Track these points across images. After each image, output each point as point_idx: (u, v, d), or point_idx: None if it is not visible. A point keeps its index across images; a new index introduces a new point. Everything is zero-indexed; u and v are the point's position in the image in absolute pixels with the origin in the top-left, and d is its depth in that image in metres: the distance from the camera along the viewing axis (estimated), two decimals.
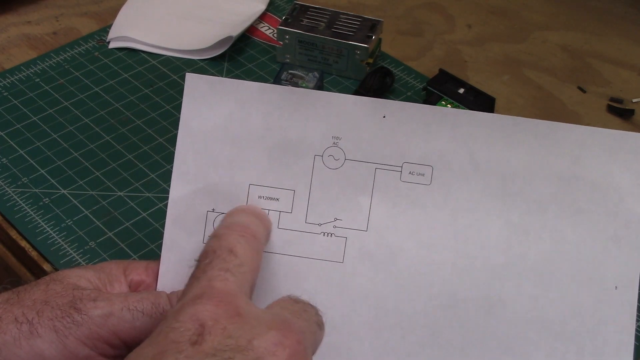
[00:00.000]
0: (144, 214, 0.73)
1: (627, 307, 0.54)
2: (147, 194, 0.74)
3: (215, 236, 0.50)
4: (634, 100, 0.87)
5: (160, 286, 0.55)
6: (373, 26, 0.87)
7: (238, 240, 0.49)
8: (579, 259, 0.55)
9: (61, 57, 0.89)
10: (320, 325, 0.47)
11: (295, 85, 0.82)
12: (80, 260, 0.68)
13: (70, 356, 0.49)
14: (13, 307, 0.50)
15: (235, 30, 0.90)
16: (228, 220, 0.52)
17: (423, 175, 0.55)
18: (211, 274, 0.46)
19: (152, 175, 0.76)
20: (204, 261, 0.47)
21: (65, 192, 0.74)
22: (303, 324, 0.45)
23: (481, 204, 0.55)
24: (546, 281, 0.55)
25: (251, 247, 0.49)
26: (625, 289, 0.54)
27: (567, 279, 0.55)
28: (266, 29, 0.94)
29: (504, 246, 0.55)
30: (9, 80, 0.86)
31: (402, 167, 0.55)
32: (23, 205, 0.73)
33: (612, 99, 0.88)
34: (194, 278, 0.46)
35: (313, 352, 0.46)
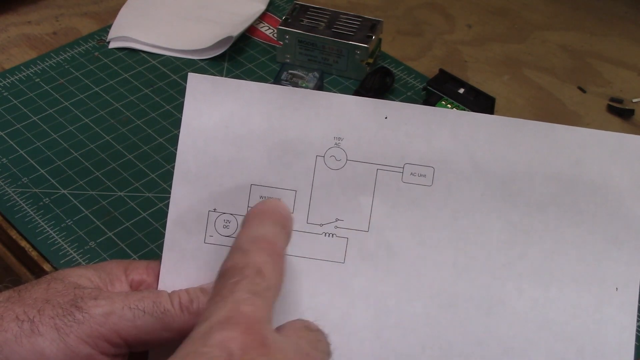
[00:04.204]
0: (144, 214, 0.73)
1: (627, 308, 0.54)
2: (147, 194, 0.74)
3: (241, 250, 0.48)
4: (634, 100, 0.87)
5: (162, 285, 0.56)
6: (373, 26, 0.87)
7: (266, 260, 0.47)
8: (579, 260, 0.55)
9: (61, 57, 0.89)
10: (329, 354, 0.48)
11: (295, 85, 0.82)
12: (80, 260, 0.68)
13: (72, 354, 0.50)
14: (14, 306, 0.51)
15: (235, 30, 0.90)
16: (254, 230, 0.50)
17: (424, 176, 0.55)
18: (239, 295, 0.45)
19: (152, 175, 0.76)
20: (231, 279, 0.46)
21: (65, 192, 0.74)
22: (319, 355, 0.46)
23: (482, 205, 0.55)
24: (546, 282, 0.55)
25: (278, 267, 0.48)
26: (625, 290, 0.54)
27: (568, 280, 0.55)
28: (266, 29, 0.94)
29: (504, 247, 0.55)
30: (9, 80, 0.86)
31: (403, 168, 0.55)
32: (23, 205, 0.73)
33: (612, 99, 0.88)
34: (219, 296, 0.45)
35: None
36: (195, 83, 0.56)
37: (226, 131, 0.56)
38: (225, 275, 0.47)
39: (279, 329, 0.47)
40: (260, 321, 0.44)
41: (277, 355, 0.43)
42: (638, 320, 0.63)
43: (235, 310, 0.44)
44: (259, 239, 0.49)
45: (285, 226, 0.52)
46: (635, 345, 0.57)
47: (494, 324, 0.55)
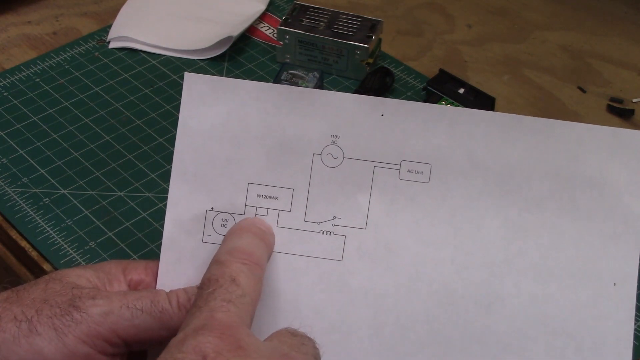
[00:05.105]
0: (144, 214, 0.73)
1: (625, 303, 0.54)
2: (147, 194, 0.74)
3: (217, 262, 0.50)
4: (634, 100, 0.87)
5: (160, 285, 0.55)
6: (373, 26, 0.87)
7: (241, 269, 0.49)
8: (577, 255, 0.55)
9: (61, 57, 0.89)
10: (317, 358, 0.48)
11: (295, 85, 0.82)
12: (80, 260, 0.68)
13: (70, 354, 0.50)
14: (12, 306, 0.51)
15: (235, 30, 0.90)
16: (230, 244, 0.52)
17: (421, 173, 0.55)
18: (213, 304, 0.46)
19: (152, 175, 0.76)
20: (207, 290, 0.48)
21: (65, 192, 0.75)
22: (301, 357, 0.46)
23: (480, 201, 0.55)
24: (545, 278, 0.55)
25: (253, 275, 0.50)
26: (623, 285, 0.54)
27: (566, 275, 0.55)
28: (266, 29, 0.94)
29: (502, 243, 0.55)
30: (9, 80, 0.86)
31: (400, 165, 0.55)
32: (23, 205, 0.73)
33: (612, 99, 0.88)
34: (196, 307, 0.47)
35: None
36: (192, 82, 0.56)
37: (223, 130, 0.56)
38: (202, 288, 0.48)
39: (265, 340, 0.48)
40: (235, 326, 0.45)
41: (253, 355, 0.44)
42: (638, 320, 0.63)
43: (209, 318, 0.46)
44: (234, 250, 0.51)
45: (263, 238, 0.54)
46: (635, 345, 0.57)
47: (493, 320, 0.55)
